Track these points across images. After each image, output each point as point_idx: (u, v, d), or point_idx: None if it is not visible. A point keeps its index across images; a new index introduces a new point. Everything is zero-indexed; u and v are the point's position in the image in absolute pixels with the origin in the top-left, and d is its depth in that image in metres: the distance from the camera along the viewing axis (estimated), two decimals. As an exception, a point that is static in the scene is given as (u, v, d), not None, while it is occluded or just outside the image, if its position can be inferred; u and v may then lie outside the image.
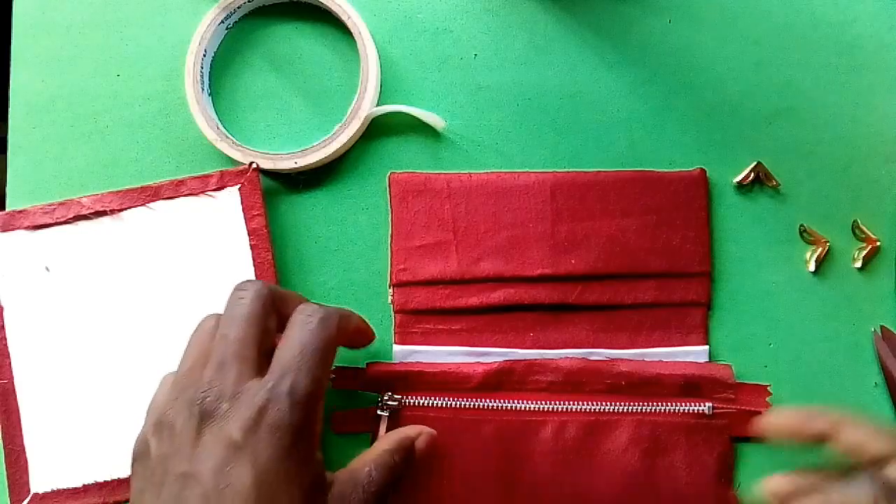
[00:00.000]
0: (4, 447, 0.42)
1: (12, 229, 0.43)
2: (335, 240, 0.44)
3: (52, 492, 0.42)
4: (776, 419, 0.36)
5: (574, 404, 0.41)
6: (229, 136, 0.44)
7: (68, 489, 0.42)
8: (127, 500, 0.41)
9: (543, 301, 0.42)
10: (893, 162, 0.44)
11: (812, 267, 0.43)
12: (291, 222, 0.44)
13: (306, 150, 0.43)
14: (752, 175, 0.43)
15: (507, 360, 0.42)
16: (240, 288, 0.36)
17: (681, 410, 0.41)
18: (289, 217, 0.44)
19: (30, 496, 0.42)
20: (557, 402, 0.41)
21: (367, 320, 0.40)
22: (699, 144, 0.44)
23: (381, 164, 0.44)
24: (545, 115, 0.45)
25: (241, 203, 0.43)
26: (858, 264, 0.43)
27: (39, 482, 0.42)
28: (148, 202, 0.43)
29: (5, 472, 0.42)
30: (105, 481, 0.42)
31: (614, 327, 0.42)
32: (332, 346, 0.34)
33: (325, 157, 0.43)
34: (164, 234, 0.43)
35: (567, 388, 0.41)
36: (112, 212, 0.43)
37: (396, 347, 0.43)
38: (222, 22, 0.45)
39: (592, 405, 0.41)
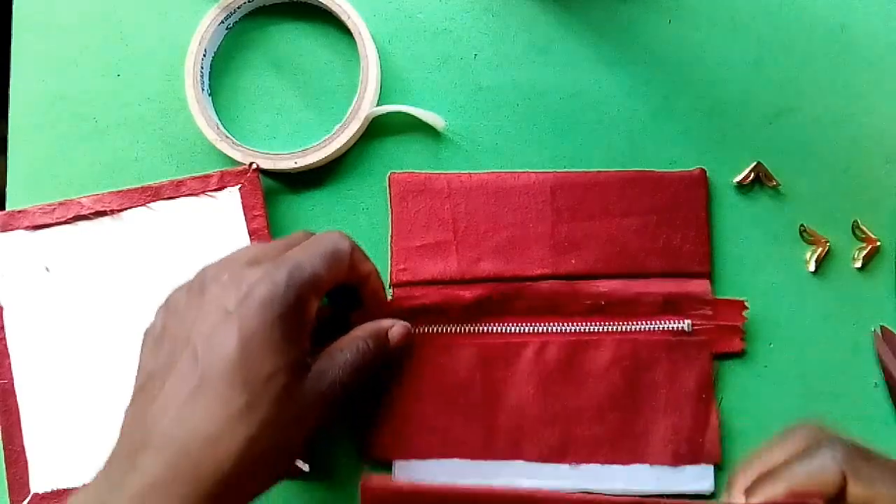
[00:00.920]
0: (4, 447, 0.42)
1: (12, 229, 0.43)
2: (335, 240, 0.44)
3: (52, 492, 0.42)
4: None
5: (555, 325, 0.42)
6: (229, 136, 0.44)
7: (68, 489, 0.42)
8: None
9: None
10: (893, 162, 0.44)
11: (812, 267, 0.43)
12: (291, 222, 0.44)
13: (306, 150, 0.43)
14: (752, 175, 0.43)
15: (486, 285, 0.42)
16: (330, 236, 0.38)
17: (660, 328, 0.42)
18: (289, 217, 0.44)
19: (30, 496, 0.42)
20: (538, 325, 0.42)
21: (384, 290, 0.41)
22: (699, 144, 0.44)
23: (381, 164, 0.44)
24: (545, 115, 0.45)
25: (242, 203, 0.43)
26: (858, 264, 0.43)
27: (39, 482, 0.42)
28: (148, 202, 0.43)
29: (5, 472, 0.42)
30: (105, 481, 0.42)
31: (614, 327, 0.43)
32: (339, 258, 0.37)
33: (325, 157, 0.43)
34: (164, 235, 0.43)
35: (547, 311, 0.42)
36: (112, 212, 0.43)
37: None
38: (222, 22, 0.45)
39: (573, 326, 0.42)
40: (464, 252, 0.43)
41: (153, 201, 0.43)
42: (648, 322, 0.42)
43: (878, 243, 0.43)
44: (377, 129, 0.45)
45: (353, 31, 0.44)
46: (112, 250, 0.43)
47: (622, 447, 0.41)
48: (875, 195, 0.43)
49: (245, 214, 0.43)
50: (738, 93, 0.44)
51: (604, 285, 0.42)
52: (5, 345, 0.42)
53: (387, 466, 0.41)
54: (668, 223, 0.43)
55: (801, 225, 0.43)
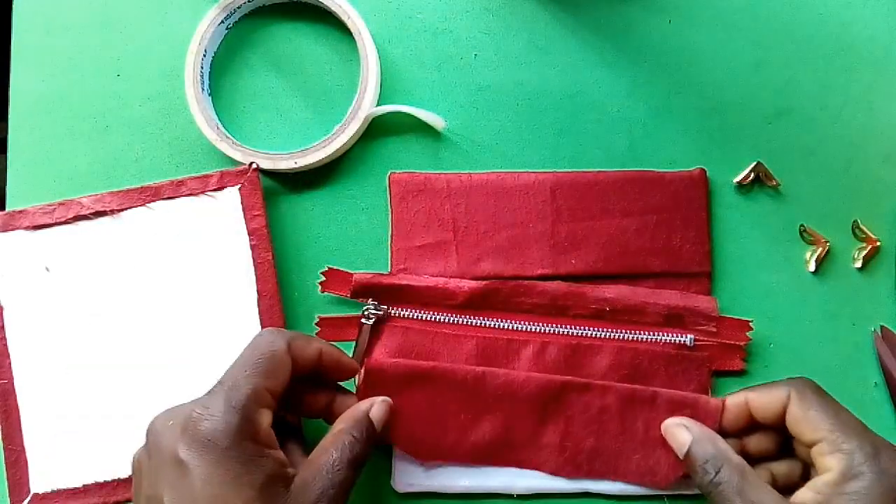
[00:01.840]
0: (4, 447, 0.42)
1: (12, 229, 0.43)
2: (335, 240, 0.44)
3: (52, 492, 0.42)
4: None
5: (557, 327, 0.42)
6: (229, 136, 0.44)
7: (68, 489, 0.42)
8: (127, 500, 0.41)
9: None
10: (893, 162, 0.44)
11: (812, 267, 0.43)
12: (291, 222, 0.44)
13: (306, 150, 0.43)
14: (752, 175, 0.43)
15: (493, 281, 0.42)
16: (258, 334, 0.37)
17: (662, 340, 0.41)
18: (289, 217, 0.44)
19: (30, 496, 0.42)
20: (541, 324, 0.42)
21: (344, 353, 0.39)
22: (699, 144, 0.44)
23: (381, 164, 0.44)
24: (545, 115, 0.45)
25: (242, 203, 0.43)
26: (858, 264, 0.43)
27: (39, 482, 0.42)
28: (148, 202, 0.43)
29: (5, 472, 0.42)
30: (105, 481, 0.42)
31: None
32: (277, 359, 0.35)
33: (325, 157, 0.43)
34: (164, 235, 0.43)
35: (551, 311, 0.42)
36: (112, 212, 0.43)
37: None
38: (222, 22, 0.45)
39: (575, 329, 0.42)
40: (464, 252, 0.43)
41: (153, 201, 0.43)
42: (651, 333, 0.42)
43: (878, 243, 0.43)
44: (377, 129, 0.45)
45: (353, 31, 0.44)
46: (112, 250, 0.43)
47: (616, 457, 0.40)
48: (875, 195, 0.43)
49: (245, 214, 0.43)
50: (738, 93, 0.44)
51: (610, 291, 0.42)
52: (5, 345, 0.42)
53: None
54: (668, 223, 0.43)
55: (801, 225, 0.43)
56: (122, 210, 0.43)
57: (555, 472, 0.40)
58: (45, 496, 0.42)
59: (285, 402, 0.37)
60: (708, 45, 0.45)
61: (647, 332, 0.42)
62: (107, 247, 0.43)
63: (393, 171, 0.44)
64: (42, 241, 0.43)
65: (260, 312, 0.42)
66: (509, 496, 0.41)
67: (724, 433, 0.39)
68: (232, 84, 0.46)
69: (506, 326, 0.42)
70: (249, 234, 0.42)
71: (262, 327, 0.42)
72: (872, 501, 0.33)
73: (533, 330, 0.42)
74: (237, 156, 0.43)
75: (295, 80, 0.45)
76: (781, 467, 0.38)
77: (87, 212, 0.43)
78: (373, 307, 0.42)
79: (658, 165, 0.44)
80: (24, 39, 0.47)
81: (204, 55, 0.44)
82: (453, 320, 0.42)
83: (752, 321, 0.42)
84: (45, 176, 0.45)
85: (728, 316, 0.42)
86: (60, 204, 0.43)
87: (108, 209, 0.43)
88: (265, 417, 0.34)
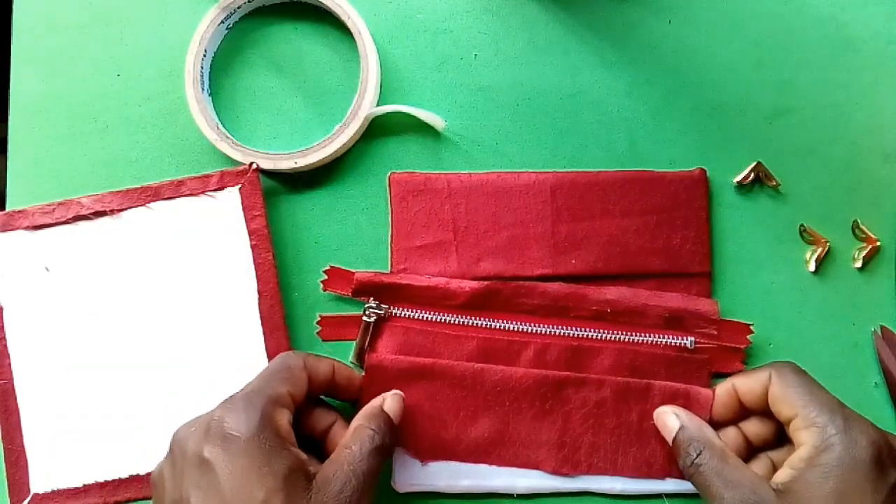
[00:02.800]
0: (4, 447, 0.42)
1: (12, 229, 0.43)
2: (335, 240, 0.44)
3: (52, 492, 0.42)
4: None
5: (558, 328, 0.42)
6: (229, 136, 0.44)
7: (68, 489, 0.42)
8: (127, 500, 0.41)
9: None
10: (893, 162, 0.44)
11: (812, 267, 0.43)
12: (291, 222, 0.44)
13: (306, 150, 0.43)
14: (752, 175, 0.43)
15: (494, 282, 0.42)
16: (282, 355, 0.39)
17: (663, 342, 0.42)
18: (289, 217, 0.44)
19: (30, 496, 0.42)
20: (542, 325, 0.42)
21: (354, 371, 0.41)
22: (699, 144, 0.44)
23: (381, 164, 0.44)
24: (545, 115, 0.45)
25: (242, 203, 0.43)
26: (858, 264, 0.43)
27: (39, 482, 0.42)
28: (148, 202, 0.43)
29: (5, 472, 0.42)
30: (105, 481, 0.42)
31: (614, 327, 0.43)
32: (295, 371, 0.37)
33: (325, 157, 0.43)
34: (164, 235, 0.43)
35: (553, 312, 0.42)
36: (112, 212, 0.43)
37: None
38: (222, 22, 0.44)
39: (576, 330, 0.42)
40: (464, 252, 0.43)
41: (153, 201, 0.43)
42: (652, 335, 0.42)
43: (878, 243, 0.43)
44: (377, 129, 0.45)
45: (353, 31, 0.44)
46: (112, 250, 0.43)
47: (614, 452, 0.41)
48: (875, 195, 0.43)
49: (245, 214, 0.43)
50: (738, 93, 0.44)
51: (611, 292, 0.42)
52: (5, 345, 0.42)
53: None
54: (668, 223, 0.43)
55: (801, 225, 0.43)
56: (121, 210, 0.43)
57: (554, 471, 0.41)
58: (45, 496, 0.42)
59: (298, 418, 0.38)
60: (708, 45, 0.45)
61: (647, 334, 0.42)
62: (107, 247, 0.43)
63: (393, 171, 0.44)
64: (42, 241, 0.43)
65: (260, 312, 0.42)
66: (509, 496, 0.41)
67: (717, 422, 0.40)
68: (232, 84, 0.46)
69: (507, 327, 0.42)
70: (249, 234, 0.42)
71: (263, 327, 0.42)
72: (843, 472, 0.33)
73: (534, 331, 0.42)
74: (237, 156, 0.43)
75: (295, 80, 0.45)
76: (780, 454, 0.38)
77: (87, 212, 0.43)
78: (374, 306, 0.42)
79: (658, 165, 0.44)
80: (24, 39, 0.47)
81: (204, 55, 0.44)
82: (454, 321, 0.42)
83: (752, 325, 0.42)
84: (44, 176, 0.45)
85: (729, 319, 0.42)
86: (60, 204, 0.43)
87: (107, 209, 0.43)
88: (284, 416, 0.35)
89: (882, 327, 0.42)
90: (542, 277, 0.42)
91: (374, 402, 0.39)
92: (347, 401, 0.41)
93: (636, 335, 0.42)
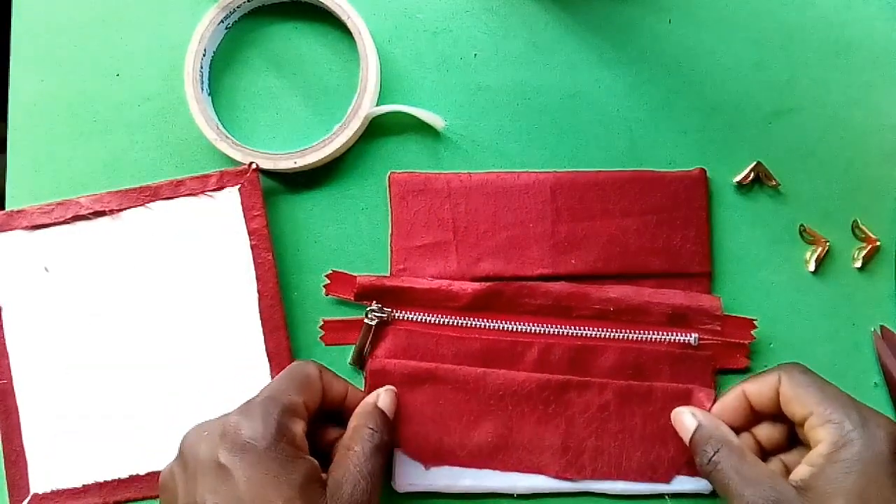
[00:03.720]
0: (4, 447, 0.42)
1: (11, 229, 0.43)
2: (335, 239, 0.44)
3: (52, 492, 0.42)
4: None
5: (561, 328, 0.42)
6: (229, 136, 0.44)
7: (68, 489, 0.42)
8: (127, 500, 0.41)
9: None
10: (893, 162, 0.44)
11: (812, 267, 0.43)
12: (291, 222, 0.44)
13: (306, 150, 0.43)
14: (752, 175, 0.43)
15: (496, 283, 0.42)
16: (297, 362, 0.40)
17: (666, 340, 0.42)
18: (289, 217, 0.44)
19: (30, 496, 0.42)
20: (545, 325, 0.42)
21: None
22: (699, 144, 0.44)
23: (381, 164, 0.44)
24: (545, 115, 0.45)
25: (241, 203, 0.43)
26: (858, 264, 0.43)
27: (39, 482, 0.42)
28: (147, 202, 0.43)
29: (5, 472, 0.42)
30: (105, 481, 0.42)
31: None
32: (311, 380, 0.38)
33: (325, 157, 0.43)
34: (163, 235, 0.43)
35: (555, 312, 0.42)
36: (111, 212, 0.43)
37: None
38: (222, 22, 0.44)
39: (579, 330, 0.42)
40: (464, 252, 0.43)
41: (152, 201, 0.43)
42: (656, 332, 0.42)
43: (878, 243, 0.43)
44: (377, 129, 0.45)
45: (353, 31, 0.44)
46: (111, 250, 0.43)
47: (618, 456, 0.41)
48: (875, 195, 0.43)
49: (244, 214, 0.42)
50: (738, 93, 0.44)
51: (614, 291, 0.42)
52: (4, 345, 0.42)
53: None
54: (668, 223, 0.43)
55: (801, 225, 0.43)
56: (121, 210, 0.43)
57: (558, 476, 0.41)
58: (45, 496, 0.42)
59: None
60: (708, 45, 0.45)
61: (651, 332, 0.42)
62: (106, 247, 0.43)
63: (393, 171, 0.44)
64: (41, 242, 0.43)
65: (260, 312, 0.42)
66: (510, 496, 0.41)
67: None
68: (232, 84, 0.46)
69: (510, 328, 0.42)
70: (249, 234, 0.42)
71: (263, 327, 0.42)
72: (864, 466, 0.33)
73: (537, 331, 0.42)
74: (237, 156, 0.43)
75: (295, 80, 0.45)
76: (792, 457, 0.38)
77: (86, 212, 0.43)
78: (377, 309, 0.42)
79: (658, 165, 0.44)
80: (24, 39, 0.47)
81: (203, 55, 0.44)
82: (457, 322, 0.42)
83: (756, 320, 0.42)
84: (44, 176, 0.45)
85: (732, 315, 0.42)
86: (59, 204, 0.43)
87: (107, 209, 0.43)
88: (299, 426, 0.36)
89: (882, 327, 0.42)
90: (542, 277, 0.42)
91: (369, 400, 0.39)
92: None
93: (639, 333, 0.42)
